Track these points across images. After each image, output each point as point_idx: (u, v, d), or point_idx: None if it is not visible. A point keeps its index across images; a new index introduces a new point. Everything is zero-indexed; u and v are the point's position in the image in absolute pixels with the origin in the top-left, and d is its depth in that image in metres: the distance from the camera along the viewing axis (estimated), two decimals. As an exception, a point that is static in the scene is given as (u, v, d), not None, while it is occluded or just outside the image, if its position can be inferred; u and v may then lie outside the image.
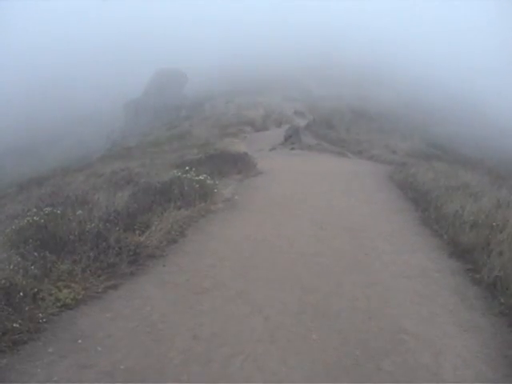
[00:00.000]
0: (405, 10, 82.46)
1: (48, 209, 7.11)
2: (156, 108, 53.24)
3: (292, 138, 23.95)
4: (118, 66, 68.91)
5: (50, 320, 4.90)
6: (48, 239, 6.33)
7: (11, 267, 5.26)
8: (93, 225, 6.80)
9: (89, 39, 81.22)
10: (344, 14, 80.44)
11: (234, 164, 14.14)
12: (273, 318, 5.21)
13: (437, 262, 7.16)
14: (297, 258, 7.16)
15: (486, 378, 4.30)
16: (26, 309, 4.78)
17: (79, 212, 7.35)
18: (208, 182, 10.07)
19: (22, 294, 4.86)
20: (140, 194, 9.10)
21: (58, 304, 5.17)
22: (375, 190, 12.73)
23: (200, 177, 10.02)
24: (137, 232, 7.19)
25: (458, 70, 58.06)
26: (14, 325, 4.50)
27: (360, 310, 5.48)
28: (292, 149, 22.04)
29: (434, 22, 79.31)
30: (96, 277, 5.83)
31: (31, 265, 5.55)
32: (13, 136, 55.38)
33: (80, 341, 4.60)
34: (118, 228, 7.00)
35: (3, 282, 4.90)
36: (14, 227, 6.79)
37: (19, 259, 5.61)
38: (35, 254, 5.86)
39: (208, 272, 6.49)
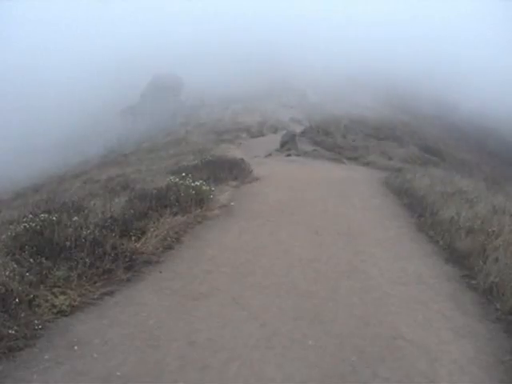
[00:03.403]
0: (401, 18, 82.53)
1: (44, 215, 7.09)
2: (152, 114, 53.31)
3: (288, 145, 24.05)
4: (115, 71, 68.88)
5: (46, 326, 4.88)
6: (44, 245, 6.30)
7: (7, 273, 5.23)
8: (89, 231, 6.78)
9: (85, 47, 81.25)
10: (342, 22, 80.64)
11: (230, 170, 14.15)
12: (269, 324, 5.20)
13: (433, 268, 7.18)
14: (293, 263, 7.16)
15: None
16: (22, 315, 4.76)
17: (75, 218, 7.32)
18: (204, 188, 10.07)
19: (17, 300, 4.84)
20: (136, 201, 9.08)
21: (54, 310, 5.15)
22: (371, 195, 12.76)
23: (196, 183, 10.02)
24: (133, 238, 7.17)
25: (459, 73, 58.16)
26: (10, 331, 4.48)
27: (356, 316, 5.48)
28: (288, 155, 22.13)
29: (433, 26, 79.41)
30: (92, 283, 5.81)
31: (27, 271, 5.52)
32: (9, 143, 55.28)
33: (76, 347, 4.58)
34: (114, 234, 6.98)
35: (-1, 288, 4.89)
36: (9, 233, 6.76)
37: (15, 265, 5.58)
38: (31, 260, 5.84)
39: (204, 278, 6.49)
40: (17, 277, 5.27)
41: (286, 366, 4.40)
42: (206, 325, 5.16)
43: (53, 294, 5.39)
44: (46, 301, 5.23)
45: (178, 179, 10.09)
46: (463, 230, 8.02)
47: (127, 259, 6.48)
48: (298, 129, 31.70)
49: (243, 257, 7.44)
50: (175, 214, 8.72)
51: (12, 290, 4.95)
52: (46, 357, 4.38)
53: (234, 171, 14.17)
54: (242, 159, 17.42)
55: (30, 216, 7.28)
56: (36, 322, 4.83)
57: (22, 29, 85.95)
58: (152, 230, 7.64)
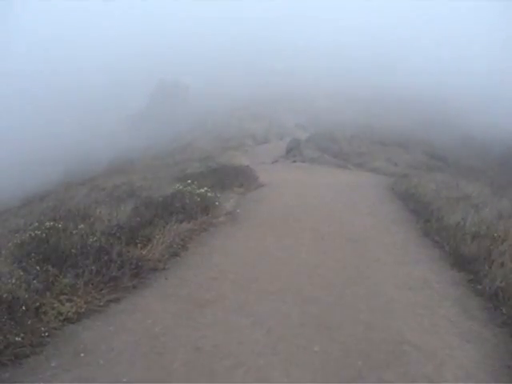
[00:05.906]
0: (408, 25, 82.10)
1: (50, 223, 7.13)
2: (158, 121, 53.38)
3: (294, 151, 24.10)
4: (121, 78, 69.08)
5: (53, 334, 4.91)
6: (50, 253, 6.34)
7: (13, 281, 5.28)
8: (95, 239, 6.81)
9: (90, 52, 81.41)
10: (349, 26, 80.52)
11: (236, 177, 14.20)
12: (275, 330, 5.21)
13: (438, 273, 7.17)
14: (298, 269, 7.17)
15: (488, 388, 4.29)
16: (29, 322, 4.79)
17: (81, 226, 7.37)
18: (210, 195, 10.10)
19: (24, 307, 4.88)
20: (142, 208, 9.12)
21: (61, 318, 5.19)
22: (377, 201, 12.75)
23: (202, 190, 10.05)
24: (139, 245, 7.20)
25: (462, 77, 57.82)
26: (17, 338, 4.51)
27: (362, 321, 5.48)
28: (294, 161, 22.20)
29: (436, 31, 78.95)
30: (98, 290, 5.84)
31: (33, 279, 5.56)
32: (14, 150, 55.41)
33: (82, 354, 4.60)
34: (120, 242, 7.01)
35: (6, 295, 4.92)
36: (16, 241, 6.81)
37: (21, 273, 5.63)
38: (37, 267, 5.88)
39: (210, 285, 6.50)
40: (23, 284, 5.32)
41: (291, 372, 4.40)
42: (211, 331, 5.17)
43: (59, 301, 5.42)
44: (53, 308, 5.26)
45: (183, 186, 10.12)
46: (469, 235, 8.00)
47: (133, 266, 6.51)
48: (304, 135, 31.74)
49: (249, 263, 7.45)
50: (181, 221, 8.74)
51: (19, 297, 4.99)
52: (53, 364, 4.41)
53: (239, 178, 14.21)
54: (248, 166, 17.49)
55: (36, 224, 7.33)
56: (42, 329, 4.87)
57: (21, 27, 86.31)
58: (158, 237, 7.66)
